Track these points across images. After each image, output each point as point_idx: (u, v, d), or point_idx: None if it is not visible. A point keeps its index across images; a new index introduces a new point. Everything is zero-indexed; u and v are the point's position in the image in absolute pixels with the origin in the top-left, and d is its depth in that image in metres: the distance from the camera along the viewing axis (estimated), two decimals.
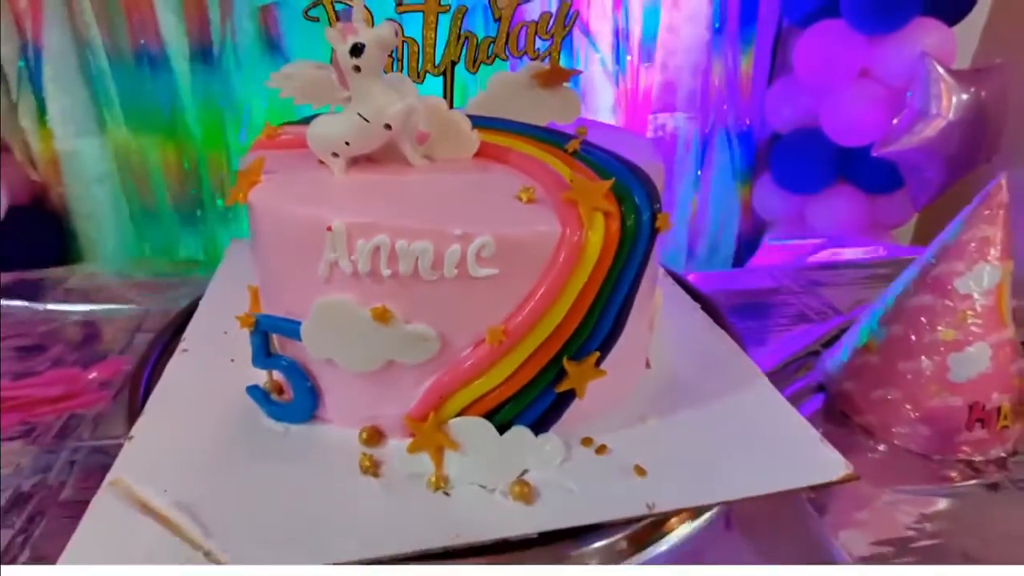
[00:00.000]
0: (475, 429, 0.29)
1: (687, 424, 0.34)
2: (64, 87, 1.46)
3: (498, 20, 0.38)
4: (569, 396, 0.31)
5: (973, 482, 0.56)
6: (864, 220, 1.69)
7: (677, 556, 0.48)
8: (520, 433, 0.30)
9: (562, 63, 0.38)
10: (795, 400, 0.64)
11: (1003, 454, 0.57)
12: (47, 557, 0.46)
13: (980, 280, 0.55)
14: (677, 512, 0.29)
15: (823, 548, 0.47)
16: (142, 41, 1.45)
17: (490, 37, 0.38)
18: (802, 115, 1.67)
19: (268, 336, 0.32)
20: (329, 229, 0.27)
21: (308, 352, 0.30)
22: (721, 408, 0.35)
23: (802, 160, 1.68)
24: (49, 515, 0.50)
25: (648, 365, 0.38)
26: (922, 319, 0.57)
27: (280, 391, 0.33)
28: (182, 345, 0.39)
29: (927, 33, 1.50)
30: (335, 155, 0.31)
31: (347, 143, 0.30)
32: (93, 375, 0.65)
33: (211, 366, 0.37)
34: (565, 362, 0.30)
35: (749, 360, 0.40)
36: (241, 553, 0.25)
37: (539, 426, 0.31)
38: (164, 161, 1.55)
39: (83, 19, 1.42)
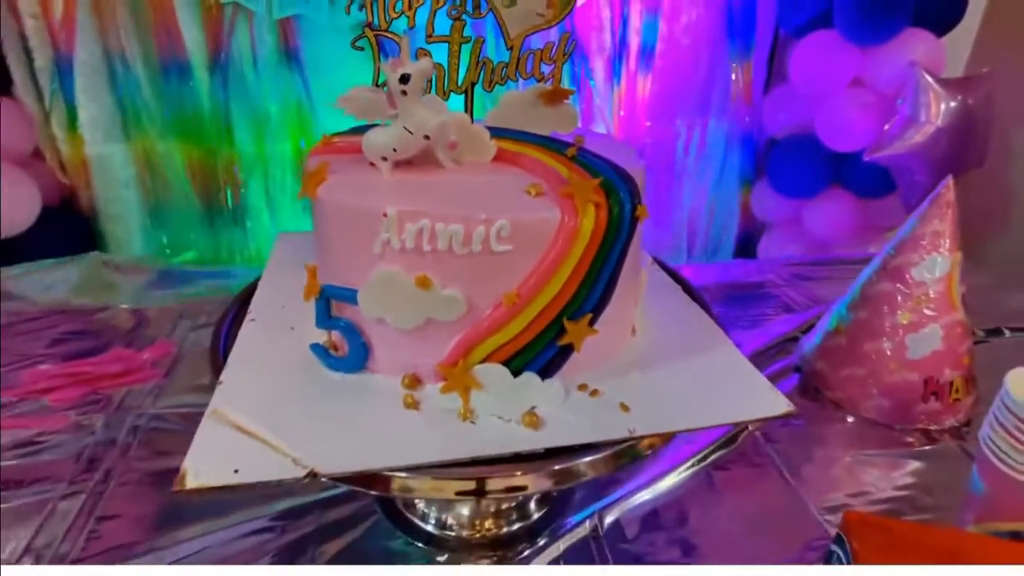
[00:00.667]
0: (494, 373, 0.38)
1: (663, 375, 0.43)
2: (93, 96, 1.56)
3: (510, 49, 0.47)
4: (568, 349, 0.40)
5: (928, 447, 0.64)
6: (858, 223, 1.76)
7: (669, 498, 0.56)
8: (530, 377, 0.39)
9: (563, 84, 0.46)
10: (775, 378, 0.73)
11: (956, 424, 0.65)
12: (120, 514, 0.54)
13: (932, 269, 0.63)
14: (651, 436, 0.37)
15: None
16: (167, 52, 1.55)
17: (503, 62, 0.47)
18: (797, 121, 1.75)
19: (329, 302, 0.40)
20: (385, 215, 0.35)
21: (362, 313, 0.38)
22: (692, 364, 0.44)
23: (798, 165, 1.75)
24: (118, 474, 0.59)
25: (634, 332, 0.46)
26: (883, 305, 0.65)
27: (336, 348, 0.42)
28: (249, 316, 0.47)
29: (917, 43, 1.58)
30: (384, 159, 0.39)
31: (394, 149, 0.39)
32: (146, 355, 0.74)
33: (275, 332, 0.46)
34: (565, 321, 0.38)
35: (720, 330, 0.48)
36: (321, 460, 0.33)
37: (544, 372, 0.39)
38: (185, 165, 1.64)
39: (113, 32, 1.52)
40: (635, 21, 1.67)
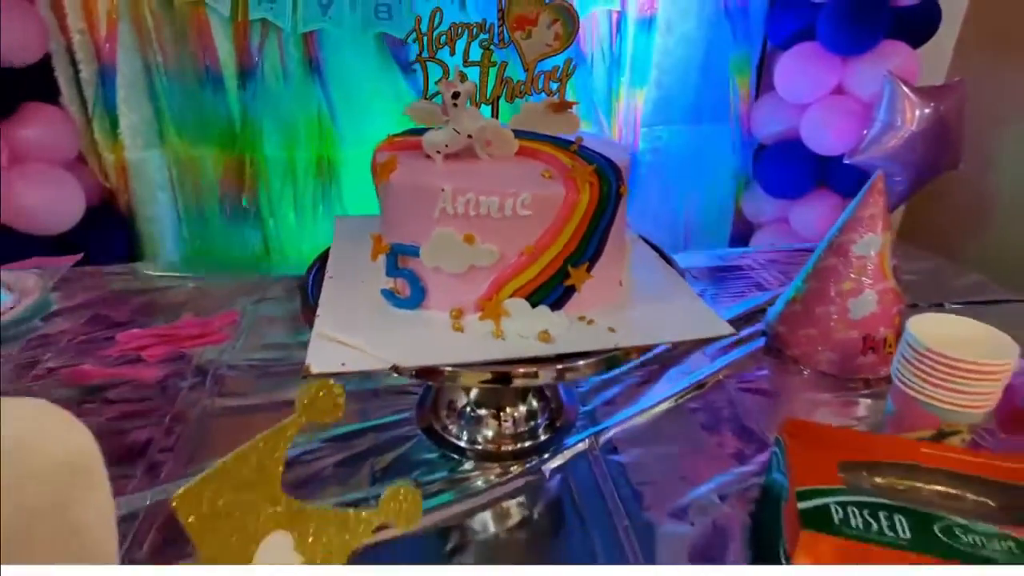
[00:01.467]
0: (518, 305, 0.54)
1: (641, 311, 0.58)
2: (133, 105, 1.73)
3: (526, 70, 0.64)
4: (572, 289, 0.55)
5: (867, 392, 0.80)
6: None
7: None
8: (544, 309, 0.54)
9: (568, 97, 0.63)
10: (746, 339, 0.88)
11: (889, 373, 0.80)
12: (209, 439, 0.70)
13: (869, 246, 0.79)
14: (630, 348, 0.53)
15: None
16: (201, 65, 1.72)
17: (521, 81, 0.63)
18: (784, 127, 1.91)
19: (396, 257, 0.56)
20: (443, 191, 0.51)
21: (423, 263, 0.54)
22: (664, 306, 0.60)
23: (785, 168, 1.92)
24: (205, 409, 0.74)
25: (621, 284, 0.62)
26: (831, 276, 0.81)
27: (399, 292, 0.58)
28: (328, 274, 0.63)
29: (894, 54, 1.74)
30: (438, 152, 0.55)
31: (446, 145, 0.55)
32: (217, 322, 0.90)
33: (349, 284, 0.62)
34: (569, 268, 0.54)
35: (687, 284, 0.64)
36: (399, 360, 0.49)
37: (554, 306, 0.55)
38: (216, 170, 1.81)
39: (151, 47, 1.69)
40: (631, 34, 1.84)
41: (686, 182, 2.07)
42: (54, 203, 1.64)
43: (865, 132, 1.74)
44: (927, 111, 1.68)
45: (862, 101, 1.80)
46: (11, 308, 0.89)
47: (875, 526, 0.47)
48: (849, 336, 0.80)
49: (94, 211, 1.71)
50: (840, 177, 1.87)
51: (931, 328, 0.62)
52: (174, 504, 0.34)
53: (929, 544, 0.45)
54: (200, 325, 0.88)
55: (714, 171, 2.04)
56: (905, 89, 1.68)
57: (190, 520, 0.34)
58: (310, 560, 0.35)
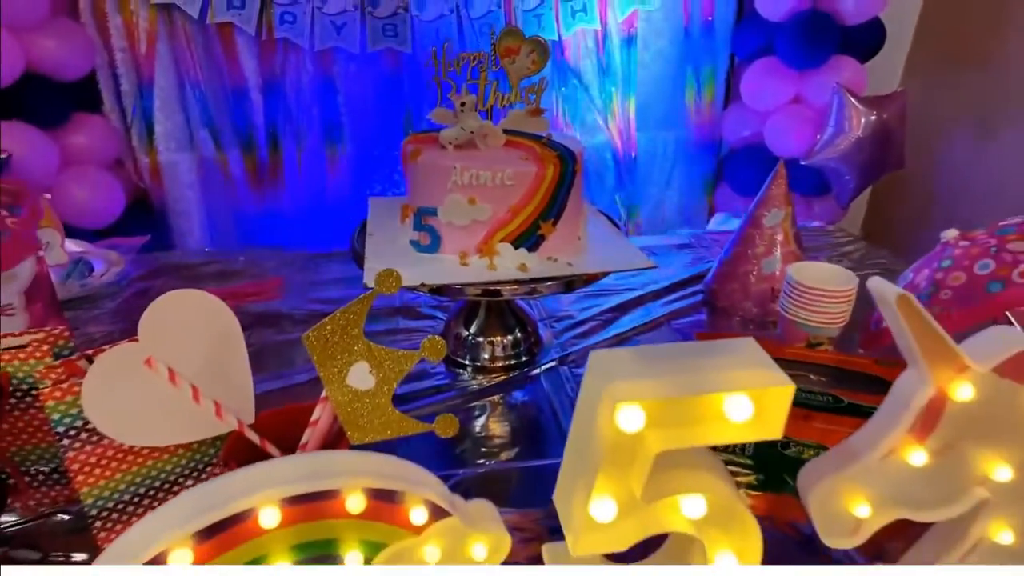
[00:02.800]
0: (506, 248, 0.81)
1: (592, 254, 0.86)
2: (167, 114, 2.01)
3: (512, 86, 0.92)
4: (542, 237, 0.83)
5: (778, 332, 1.07)
6: (803, 219, 2.20)
7: None
8: (523, 251, 0.82)
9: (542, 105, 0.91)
10: (689, 296, 1.15)
11: None
12: (271, 365, 0.96)
13: (775, 218, 1.07)
14: (582, 275, 0.80)
15: None
16: (228, 79, 2.00)
17: (508, 94, 0.91)
18: (750, 133, 2.20)
19: (421, 216, 0.83)
20: (454, 168, 0.79)
21: (440, 220, 0.81)
22: (608, 251, 0.87)
23: (751, 169, 2.20)
24: (269, 342, 1.01)
25: (579, 238, 0.89)
26: (749, 242, 1.09)
27: (422, 241, 0.85)
28: (368, 233, 0.90)
29: (843, 68, 2.04)
30: (450, 143, 0.82)
31: (456, 138, 0.82)
32: (269, 284, 1.17)
33: (385, 240, 0.89)
34: (540, 223, 0.82)
35: (631, 243, 0.91)
36: (431, 280, 0.76)
37: (530, 249, 0.82)
38: (239, 171, 2.09)
39: (185, 63, 1.97)
40: (615, 50, 2.14)
41: (664, 180, 2.35)
42: (98, 201, 1.91)
43: (818, 137, 2.03)
44: (872, 118, 1.97)
45: (817, 109, 2.09)
46: (103, 274, 1.16)
47: None
48: (762, 288, 1.07)
49: (130, 208, 1.98)
50: (799, 178, 2.14)
51: (803, 271, 0.90)
52: (306, 339, 0.60)
53: None
54: (255, 286, 1.15)
55: (688, 171, 2.33)
56: (852, 99, 1.97)
57: (316, 350, 0.60)
58: (378, 374, 0.62)
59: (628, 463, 0.46)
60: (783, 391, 0.44)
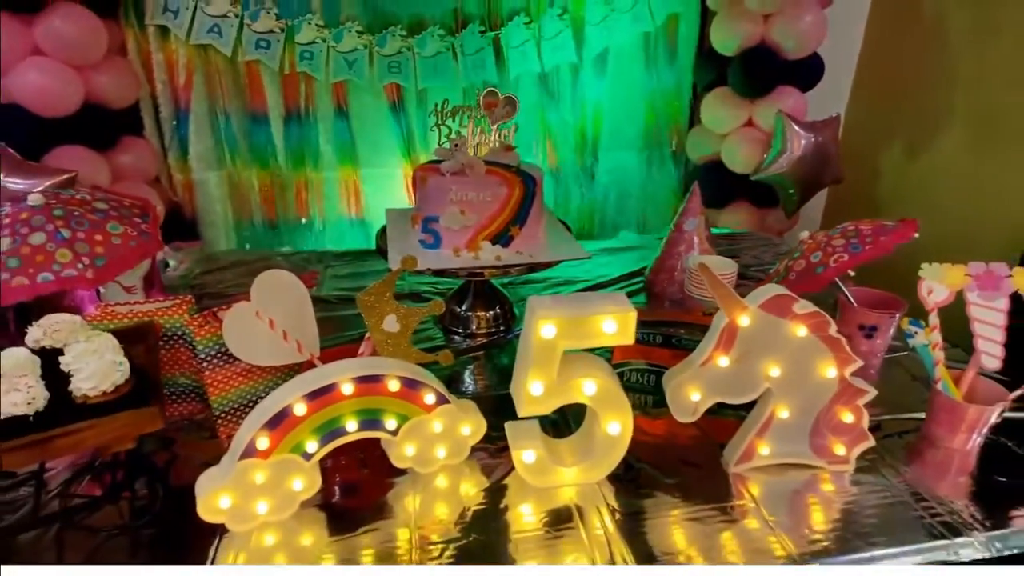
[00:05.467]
0: (486, 244, 1.20)
1: (547, 249, 1.25)
2: (200, 138, 2.41)
3: (492, 129, 1.32)
4: (512, 237, 1.22)
5: None
6: (757, 225, 2.60)
7: None
8: (499, 247, 1.20)
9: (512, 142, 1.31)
10: (633, 283, 1.55)
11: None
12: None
13: (692, 224, 1.46)
14: (539, 263, 1.19)
15: None
16: (253, 107, 2.40)
17: (488, 135, 1.32)
18: (710, 152, 2.60)
19: (427, 222, 1.22)
20: (452, 189, 1.18)
21: (441, 224, 1.20)
22: (559, 247, 1.27)
23: (712, 184, 2.60)
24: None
25: (539, 238, 1.29)
26: (674, 242, 1.48)
27: (427, 240, 1.24)
28: (389, 235, 1.30)
29: (787, 96, 2.44)
30: (449, 172, 1.22)
31: (452, 168, 1.21)
32: (307, 275, 1.56)
33: (400, 237, 1.28)
34: (510, 227, 1.21)
35: (578, 244, 1.31)
36: (434, 266, 1.15)
37: (504, 245, 1.21)
38: (262, 188, 2.48)
39: (217, 93, 2.37)
40: (590, 80, 2.55)
41: (636, 193, 2.76)
42: None
43: (764, 156, 2.44)
44: (810, 139, 2.38)
45: (766, 132, 2.49)
46: (175, 269, 1.56)
47: (650, 339, 1.13)
48: (683, 277, 1.47)
49: (167, 219, 2.37)
50: (753, 192, 2.55)
51: (697, 262, 1.29)
52: (359, 299, 1.00)
53: (668, 342, 1.12)
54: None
55: (657, 186, 2.73)
56: (792, 124, 2.37)
57: (364, 306, 0.99)
58: (402, 321, 1.01)
59: (548, 359, 0.85)
60: (630, 315, 0.83)
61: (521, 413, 0.88)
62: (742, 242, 1.91)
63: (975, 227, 2.24)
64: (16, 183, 1.73)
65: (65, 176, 1.76)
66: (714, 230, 1.75)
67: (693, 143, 2.67)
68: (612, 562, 0.81)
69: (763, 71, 2.40)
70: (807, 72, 2.46)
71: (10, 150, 1.74)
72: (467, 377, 1.21)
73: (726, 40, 2.43)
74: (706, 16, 2.52)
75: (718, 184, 2.59)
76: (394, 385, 0.87)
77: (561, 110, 2.59)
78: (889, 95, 2.63)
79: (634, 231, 2.74)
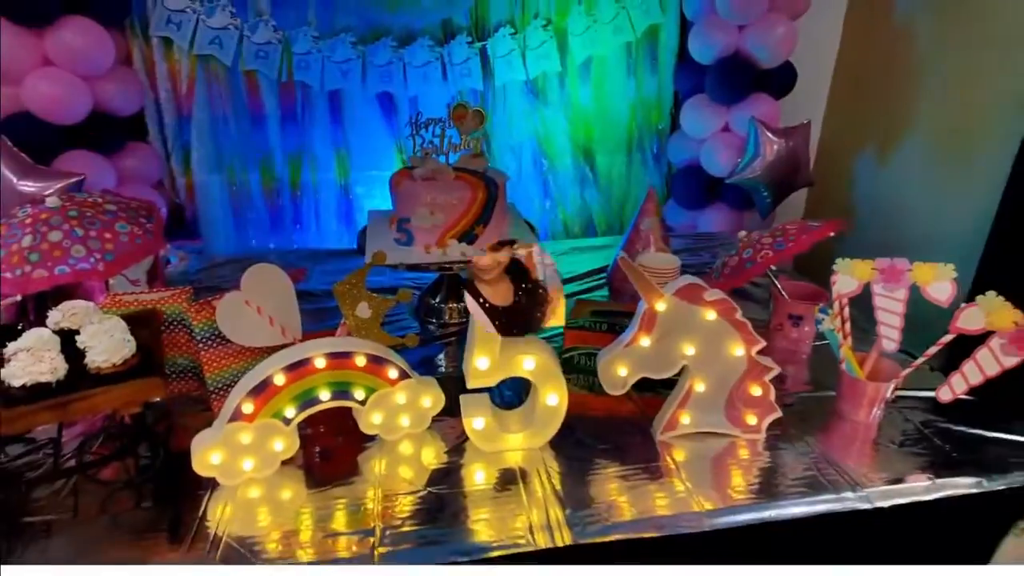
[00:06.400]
0: (454, 242, 1.36)
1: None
2: (202, 143, 2.57)
3: (462, 138, 1.49)
4: (476, 236, 1.37)
5: None
6: (735, 226, 2.73)
7: None
8: (464, 244, 1.37)
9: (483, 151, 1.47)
10: (597, 278, 1.71)
11: None
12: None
13: (648, 224, 1.62)
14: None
15: None
16: (252, 113, 2.57)
17: (459, 145, 1.48)
18: (690, 156, 2.76)
19: (401, 222, 1.38)
20: (422, 192, 1.34)
21: (413, 223, 1.36)
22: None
23: (692, 187, 2.75)
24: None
25: (502, 233, 1.45)
26: (633, 241, 1.64)
27: (402, 237, 1.41)
28: (368, 233, 1.46)
29: (760, 103, 2.59)
30: (421, 177, 1.38)
31: (423, 174, 1.37)
32: (298, 271, 1.73)
33: (380, 236, 1.45)
34: (475, 226, 1.37)
35: (535, 239, 1.46)
36: (407, 260, 1.32)
37: (469, 243, 1.37)
38: (260, 190, 2.65)
39: (217, 100, 2.54)
40: (575, 87, 2.71)
41: (620, 197, 2.91)
42: None
43: (739, 160, 2.59)
44: (782, 144, 2.53)
45: (742, 137, 2.64)
46: (176, 265, 1.73)
47: (597, 327, 1.28)
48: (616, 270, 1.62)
49: (170, 220, 2.54)
50: (730, 194, 2.70)
51: (645, 258, 1.45)
52: (335, 288, 1.16)
53: (612, 329, 1.27)
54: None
55: (640, 188, 2.88)
56: (765, 130, 2.52)
57: (339, 294, 1.16)
58: (374, 308, 1.17)
59: (492, 339, 1.01)
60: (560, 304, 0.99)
61: (470, 385, 1.04)
62: (717, 241, 2.06)
63: (939, 228, 2.38)
64: (30, 186, 1.91)
65: (74, 179, 1.93)
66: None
67: (674, 147, 2.82)
68: (547, 516, 0.97)
69: (739, 78, 2.55)
70: (780, 80, 2.60)
71: (23, 155, 1.91)
72: (440, 360, 1.37)
73: (703, 49, 2.58)
74: (685, 26, 2.67)
75: (698, 187, 2.74)
76: (361, 361, 1.04)
77: (547, 116, 2.74)
78: (863, 103, 2.77)
79: (618, 232, 2.89)
